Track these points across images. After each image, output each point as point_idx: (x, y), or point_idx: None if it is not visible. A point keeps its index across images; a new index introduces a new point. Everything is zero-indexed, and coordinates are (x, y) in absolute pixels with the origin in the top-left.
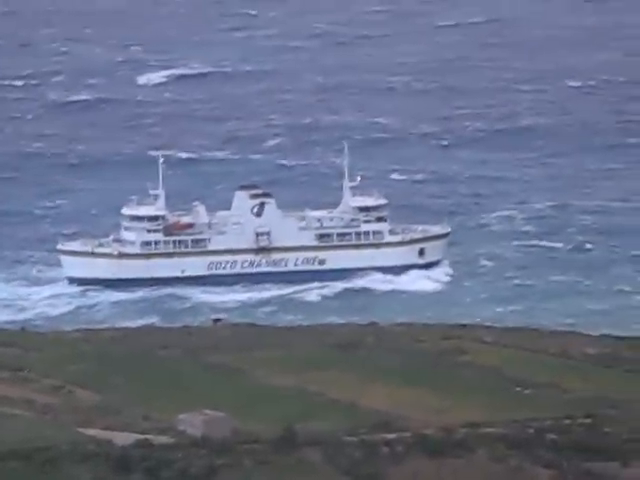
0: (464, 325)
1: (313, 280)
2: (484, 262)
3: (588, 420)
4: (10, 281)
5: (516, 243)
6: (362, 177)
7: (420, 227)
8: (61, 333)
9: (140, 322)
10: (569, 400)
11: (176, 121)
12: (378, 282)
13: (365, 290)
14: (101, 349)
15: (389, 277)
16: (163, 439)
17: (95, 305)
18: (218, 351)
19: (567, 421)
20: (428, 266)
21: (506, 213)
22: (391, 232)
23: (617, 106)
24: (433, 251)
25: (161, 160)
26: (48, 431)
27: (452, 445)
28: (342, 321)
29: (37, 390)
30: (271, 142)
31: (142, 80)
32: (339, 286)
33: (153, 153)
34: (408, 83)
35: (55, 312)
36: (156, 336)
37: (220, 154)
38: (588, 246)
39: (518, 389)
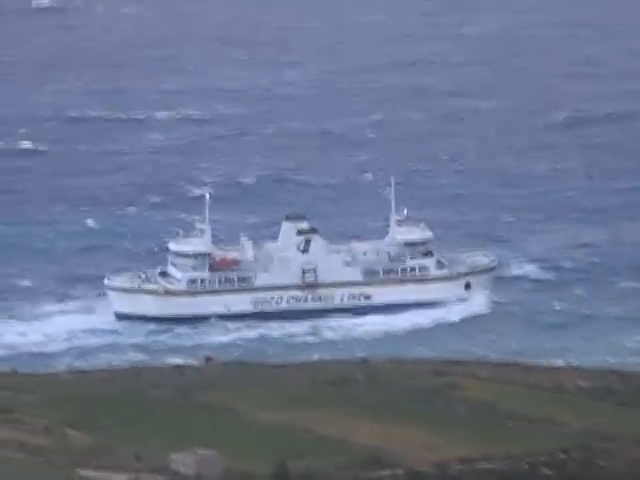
0: (457, 361)
1: (358, 315)
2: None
3: (583, 454)
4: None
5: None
6: (406, 211)
7: (467, 257)
8: (52, 374)
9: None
10: (564, 434)
11: None
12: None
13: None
14: (92, 390)
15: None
16: (156, 479)
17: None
18: (209, 390)
19: (562, 455)
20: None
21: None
22: (438, 265)
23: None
24: (479, 285)
25: (208, 195)
26: (42, 473)
27: None
28: (333, 358)
29: (29, 432)
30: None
31: None
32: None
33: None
34: None
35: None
36: (147, 375)
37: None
38: None
39: (511, 424)
